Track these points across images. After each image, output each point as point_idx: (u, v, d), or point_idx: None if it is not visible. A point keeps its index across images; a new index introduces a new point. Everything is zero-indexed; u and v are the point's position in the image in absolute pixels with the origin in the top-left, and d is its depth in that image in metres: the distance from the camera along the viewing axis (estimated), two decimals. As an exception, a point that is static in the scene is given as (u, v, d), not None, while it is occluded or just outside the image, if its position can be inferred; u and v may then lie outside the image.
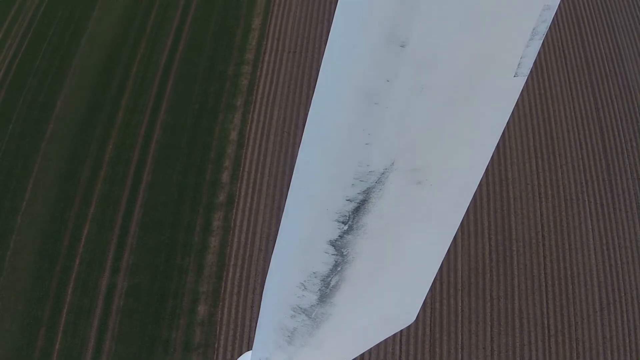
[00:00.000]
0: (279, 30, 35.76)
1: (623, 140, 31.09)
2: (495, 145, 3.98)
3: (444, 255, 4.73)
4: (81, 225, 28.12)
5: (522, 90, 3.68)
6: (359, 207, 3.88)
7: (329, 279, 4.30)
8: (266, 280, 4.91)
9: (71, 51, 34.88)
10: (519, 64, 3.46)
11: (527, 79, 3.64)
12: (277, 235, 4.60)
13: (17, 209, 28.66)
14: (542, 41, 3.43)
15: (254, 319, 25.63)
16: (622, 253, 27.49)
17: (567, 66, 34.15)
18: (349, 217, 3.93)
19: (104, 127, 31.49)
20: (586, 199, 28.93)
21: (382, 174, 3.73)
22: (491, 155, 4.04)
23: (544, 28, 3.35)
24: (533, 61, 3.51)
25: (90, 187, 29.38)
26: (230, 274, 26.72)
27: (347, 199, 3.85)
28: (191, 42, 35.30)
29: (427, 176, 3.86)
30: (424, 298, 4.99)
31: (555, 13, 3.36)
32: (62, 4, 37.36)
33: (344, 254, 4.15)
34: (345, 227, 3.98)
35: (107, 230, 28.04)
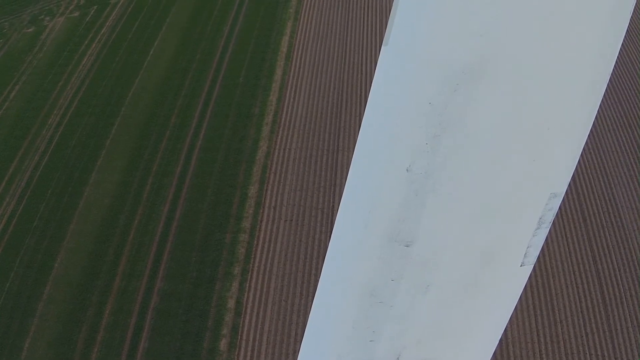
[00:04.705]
0: (275, 199, 37.68)
1: (622, 290, 32.40)
2: (503, 330, 4.01)
3: None
4: (79, 390, 28.89)
5: None
6: None
7: None
8: None
9: (69, 214, 36.72)
10: (526, 253, 3.49)
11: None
12: None
13: (13, 368, 29.31)
14: (548, 229, 3.48)
15: None
16: (623, 404, 28.17)
17: (563, 220, 35.92)
18: None
19: (101, 292, 32.80)
20: (587, 352, 29.89)
21: None
22: (499, 340, 4.06)
23: (550, 216, 3.40)
24: (540, 250, 3.54)
25: (86, 351, 30.27)
26: None
27: None
28: (188, 210, 37.15)
29: None
30: None
31: None
32: (60, 167, 39.83)
33: None
34: None
35: (105, 396, 28.75)
